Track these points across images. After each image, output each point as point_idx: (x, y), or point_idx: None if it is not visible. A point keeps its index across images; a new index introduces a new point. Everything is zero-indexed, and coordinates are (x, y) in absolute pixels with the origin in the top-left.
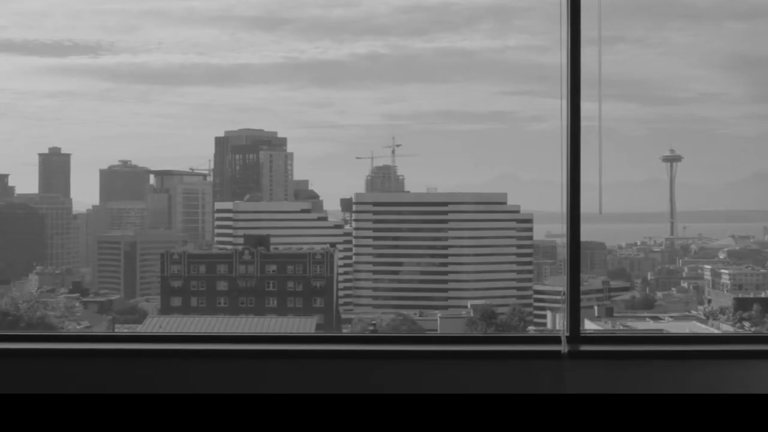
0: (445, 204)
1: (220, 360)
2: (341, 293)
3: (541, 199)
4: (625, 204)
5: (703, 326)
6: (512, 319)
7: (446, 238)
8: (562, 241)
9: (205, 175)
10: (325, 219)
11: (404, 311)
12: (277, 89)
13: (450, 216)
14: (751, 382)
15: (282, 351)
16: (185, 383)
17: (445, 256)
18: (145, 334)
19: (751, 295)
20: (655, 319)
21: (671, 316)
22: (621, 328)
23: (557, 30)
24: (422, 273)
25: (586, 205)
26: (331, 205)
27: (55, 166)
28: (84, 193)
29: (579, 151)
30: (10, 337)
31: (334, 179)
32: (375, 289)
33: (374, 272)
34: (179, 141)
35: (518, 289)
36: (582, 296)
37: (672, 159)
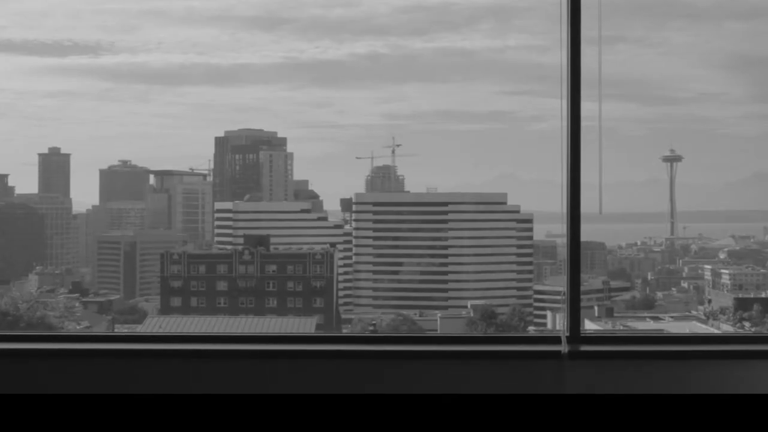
0: (445, 204)
1: (220, 360)
2: (341, 293)
3: (541, 199)
4: (625, 204)
5: (704, 326)
6: (512, 319)
7: (446, 238)
8: (562, 241)
9: (205, 175)
10: (325, 219)
11: (404, 311)
12: (276, 89)
13: (450, 216)
14: (752, 382)
15: (282, 351)
16: (185, 383)
17: (445, 256)
18: (144, 334)
19: (752, 295)
20: (656, 319)
21: (671, 317)
22: (621, 328)
23: (557, 30)
24: (422, 273)
25: (586, 205)
26: (331, 205)
27: (54, 166)
28: (84, 193)
29: (579, 151)
30: (9, 337)
31: (334, 179)
32: (375, 289)
33: (374, 272)
34: (179, 141)
35: (518, 289)
36: (582, 296)
37: (672, 159)
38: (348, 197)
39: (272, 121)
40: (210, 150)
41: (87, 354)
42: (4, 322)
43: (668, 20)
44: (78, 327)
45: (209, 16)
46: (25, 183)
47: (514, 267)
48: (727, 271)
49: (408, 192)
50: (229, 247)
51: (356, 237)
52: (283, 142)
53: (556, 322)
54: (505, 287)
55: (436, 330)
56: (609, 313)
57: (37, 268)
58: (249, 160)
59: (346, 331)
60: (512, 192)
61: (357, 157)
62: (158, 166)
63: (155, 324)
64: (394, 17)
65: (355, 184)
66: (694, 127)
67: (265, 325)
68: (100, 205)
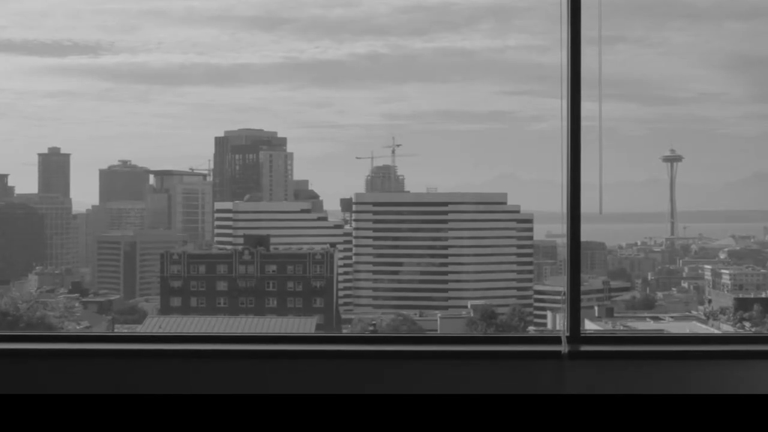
0: (445, 204)
1: (219, 360)
2: (341, 293)
3: (541, 199)
4: (625, 204)
5: (704, 326)
6: (512, 320)
7: (446, 238)
8: (562, 241)
9: (204, 175)
10: (325, 219)
11: (404, 311)
12: (276, 89)
13: (450, 216)
14: (752, 383)
15: (282, 351)
16: (185, 383)
17: (445, 256)
18: (144, 334)
19: (752, 296)
20: (656, 319)
21: (671, 317)
22: (621, 328)
23: (557, 30)
24: (422, 273)
25: (586, 205)
26: (331, 205)
27: (54, 166)
28: (83, 193)
29: (579, 151)
30: (9, 337)
31: (334, 179)
32: (375, 289)
33: (374, 272)
34: (179, 141)
35: (518, 289)
36: (582, 296)
37: (672, 159)
38: (348, 197)
39: (272, 121)
40: (210, 150)
41: (87, 354)
42: (4, 322)
43: (668, 20)
44: (78, 327)
45: (209, 16)
46: (25, 183)
47: (514, 267)
48: (727, 271)
49: (408, 192)
50: (229, 247)
51: (356, 237)
52: (283, 142)
53: (556, 322)
54: (505, 287)
55: (436, 330)
56: (609, 313)
57: (37, 268)
58: (249, 160)
59: (346, 331)
60: (512, 192)
61: (357, 157)
62: (158, 166)
63: (155, 324)
64: (394, 17)
65: (355, 184)
66: (694, 127)
67: (265, 325)
68: (99, 205)
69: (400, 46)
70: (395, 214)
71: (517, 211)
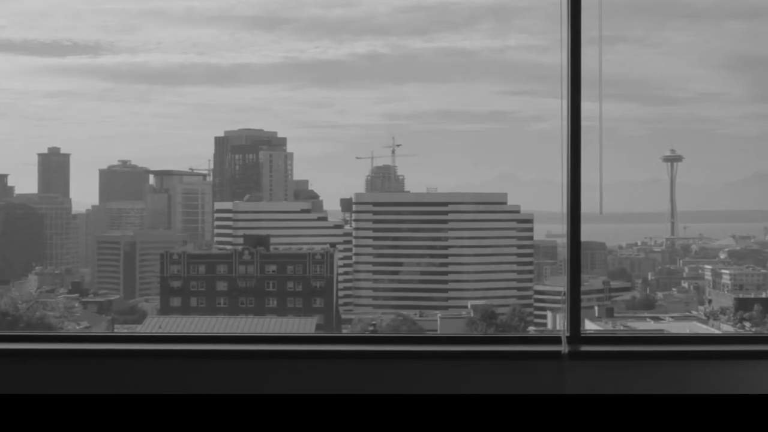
0: (445, 204)
1: (219, 360)
2: (341, 293)
3: (541, 199)
4: (625, 204)
5: (704, 326)
6: (512, 320)
7: (446, 238)
8: (562, 241)
9: (204, 175)
10: (325, 219)
11: (404, 311)
12: (276, 89)
13: (450, 216)
14: (752, 383)
15: (282, 351)
16: (185, 384)
17: (445, 256)
18: (144, 334)
19: (752, 296)
20: (656, 319)
21: (672, 317)
22: (621, 328)
23: (557, 30)
24: (422, 273)
25: (587, 205)
26: (331, 205)
27: (54, 166)
28: (83, 193)
29: (579, 151)
30: (9, 337)
31: (334, 179)
32: (375, 289)
33: (374, 272)
34: (179, 141)
35: (518, 289)
36: (582, 296)
37: (672, 159)
38: (348, 197)
39: (272, 121)
40: (210, 150)
41: (87, 354)
42: (4, 323)
43: (668, 20)
44: (77, 327)
45: (209, 16)
46: (25, 183)
47: (515, 267)
48: (727, 272)
49: (408, 192)
50: (228, 247)
51: (356, 237)
52: (283, 142)
53: (557, 323)
54: (505, 287)
55: (436, 330)
56: (609, 313)
57: (37, 268)
58: (249, 160)
59: (346, 331)
60: (512, 192)
61: (357, 157)
62: (158, 166)
63: (155, 324)
64: (394, 17)
65: (355, 184)
66: (694, 127)
67: (265, 325)
68: (99, 205)
69: (400, 46)
70: (395, 214)
71: (518, 211)
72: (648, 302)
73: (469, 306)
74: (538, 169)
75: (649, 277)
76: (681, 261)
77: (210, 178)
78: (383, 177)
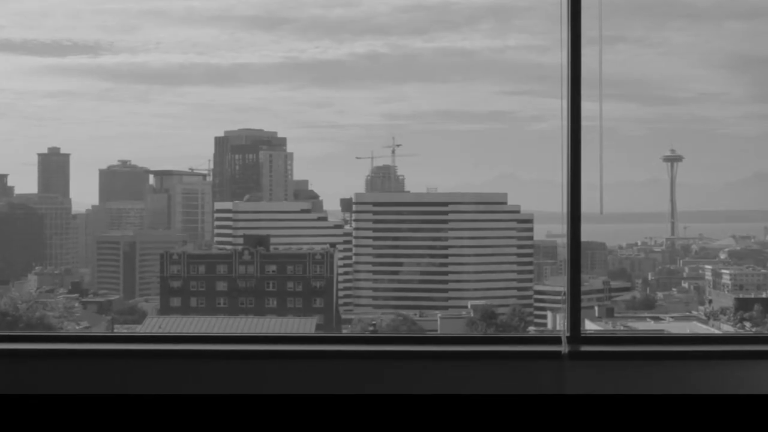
0: (445, 204)
1: (219, 360)
2: (341, 293)
3: (541, 199)
4: (625, 204)
5: (704, 327)
6: (512, 320)
7: (446, 238)
8: (562, 241)
9: (204, 175)
10: (325, 219)
11: (404, 311)
12: (276, 89)
13: (450, 216)
14: (752, 383)
15: (282, 351)
16: (184, 384)
17: (445, 256)
18: (144, 334)
19: (752, 296)
20: (656, 319)
21: (672, 317)
22: (621, 328)
23: (557, 30)
24: (422, 273)
25: (587, 205)
26: (331, 205)
27: (54, 166)
28: (83, 193)
29: (579, 151)
30: (9, 337)
31: (334, 179)
32: (375, 289)
33: (374, 272)
34: (179, 141)
35: (518, 289)
36: (582, 296)
37: (672, 159)
38: (348, 197)
39: (272, 121)
40: (210, 150)
41: (86, 354)
42: (4, 323)
43: (668, 20)
44: (77, 327)
45: (209, 16)
46: (25, 183)
47: (515, 267)
48: (727, 272)
49: (408, 192)
50: (228, 247)
51: (356, 237)
52: (283, 142)
53: (557, 323)
54: (505, 287)
55: (436, 330)
56: (609, 313)
57: (37, 268)
58: (249, 160)
59: (346, 331)
60: (512, 192)
61: (357, 157)
62: (158, 166)
63: (155, 324)
64: (394, 17)
65: (355, 184)
66: (694, 127)
67: (264, 325)
68: (99, 205)
69: (400, 45)
70: (395, 214)
71: (518, 211)
72: (648, 302)
73: (469, 306)
74: (538, 169)
75: (649, 277)
76: (681, 261)
77: (210, 178)
78: (383, 177)
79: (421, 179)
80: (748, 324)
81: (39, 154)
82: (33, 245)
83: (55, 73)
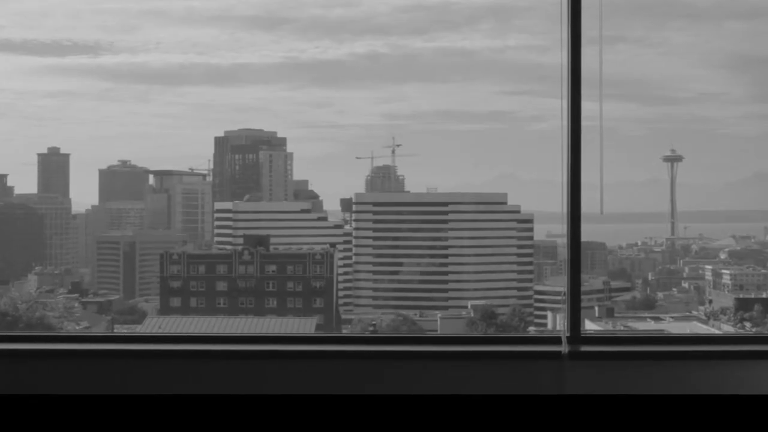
0: (445, 204)
1: (219, 361)
2: (341, 293)
3: (541, 199)
4: (625, 204)
5: (704, 327)
6: (512, 320)
7: (446, 239)
8: (562, 242)
9: (204, 175)
10: (325, 219)
11: (404, 312)
12: (276, 89)
13: (450, 216)
14: (752, 383)
15: (282, 352)
16: (184, 384)
17: (445, 256)
18: (144, 334)
19: (752, 296)
20: (656, 319)
21: (672, 317)
22: (622, 328)
23: (557, 30)
24: (422, 273)
25: (587, 205)
26: (331, 205)
27: (54, 166)
28: (83, 193)
29: (579, 151)
30: (8, 337)
31: (334, 179)
32: (375, 289)
33: (374, 272)
34: (179, 141)
35: (519, 289)
36: (582, 296)
37: (672, 159)
38: (348, 197)
39: (272, 121)
40: (210, 150)
41: (86, 354)
42: (4, 323)
43: (668, 20)
44: (77, 327)
45: (209, 16)
46: (25, 183)
47: (515, 267)
48: (727, 272)
49: (408, 192)
50: (228, 247)
51: (356, 237)
52: (283, 142)
53: (557, 323)
54: (505, 287)
55: (437, 330)
56: (609, 313)
57: (37, 268)
58: (249, 160)
59: (346, 331)
60: (512, 192)
61: (357, 157)
62: (158, 166)
63: (155, 324)
64: (394, 17)
65: (355, 184)
66: (694, 127)
67: (264, 325)
68: (99, 205)
69: (400, 45)
70: (395, 214)
71: (518, 211)
72: (648, 302)
73: (469, 306)
74: (538, 169)
75: (650, 277)
76: (681, 261)
77: (210, 178)
78: (383, 177)
79: (421, 179)
80: (748, 324)
81: (39, 154)
82: (33, 245)
83: (55, 73)
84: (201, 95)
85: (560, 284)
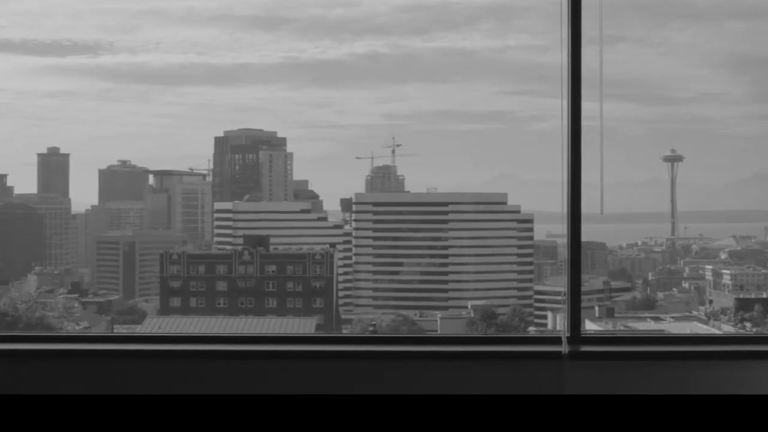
0: (445, 204)
1: (219, 361)
2: (341, 293)
3: (541, 199)
4: (625, 204)
5: (705, 327)
6: (513, 320)
7: (446, 239)
8: (562, 242)
9: (204, 175)
10: (324, 219)
11: (404, 312)
12: (276, 89)
13: (450, 216)
14: (752, 383)
15: (282, 352)
16: (184, 384)
17: (446, 256)
18: (144, 334)
19: (753, 296)
20: (656, 319)
21: (672, 317)
22: (622, 328)
23: (557, 30)
24: (422, 273)
25: (587, 205)
26: (331, 205)
27: (54, 166)
28: (83, 193)
29: (580, 151)
30: (8, 337)
31: (334, 179)
32: (375, 289)
33: (374, 272)
34: (178, 141)
35: (519, 289)
36: (583, 297)
37: (673, 159)
38: (348, 197)
39: (272, 121)
40: (210, 150)
41: (86, 354)
42: (3, 323)
43: (668, 20)
44: (77, 327)
45: (209, 16)
46: (25, 183)
47: (515, 267)
48: (728, 272)
49: (408, 192)
50: (228, 247)
51: (356, 237)
52: (283, 142)
53: (557, 323)
54: (505, 287)
55: (437, 330)
56: (610, 313)
57: (36, 268)
58: (249, 160)
59: (346, 331)
60: (512, 192)
61: (357, 157)
62: (158, 166)
63: (154, 324)
64: (394, 17)
65: (355, 184)
66: (695, 127)
67: (264, 325)
68: (99, 205)
69: (400, 45)
70: (395, 214)
71: (518, 211)
72: (648, 302)
73: (469, 306)
74: (538, 169)
75: (650, 278)
76: (681, 261)
77: (210, 178)
78: (383, 177)
79: (421, 179)
80: (748, 324)
81: (39, 154)
82: (33, 245)
83: (55, 73)
84: (201, 95)
85: (560, 284)
